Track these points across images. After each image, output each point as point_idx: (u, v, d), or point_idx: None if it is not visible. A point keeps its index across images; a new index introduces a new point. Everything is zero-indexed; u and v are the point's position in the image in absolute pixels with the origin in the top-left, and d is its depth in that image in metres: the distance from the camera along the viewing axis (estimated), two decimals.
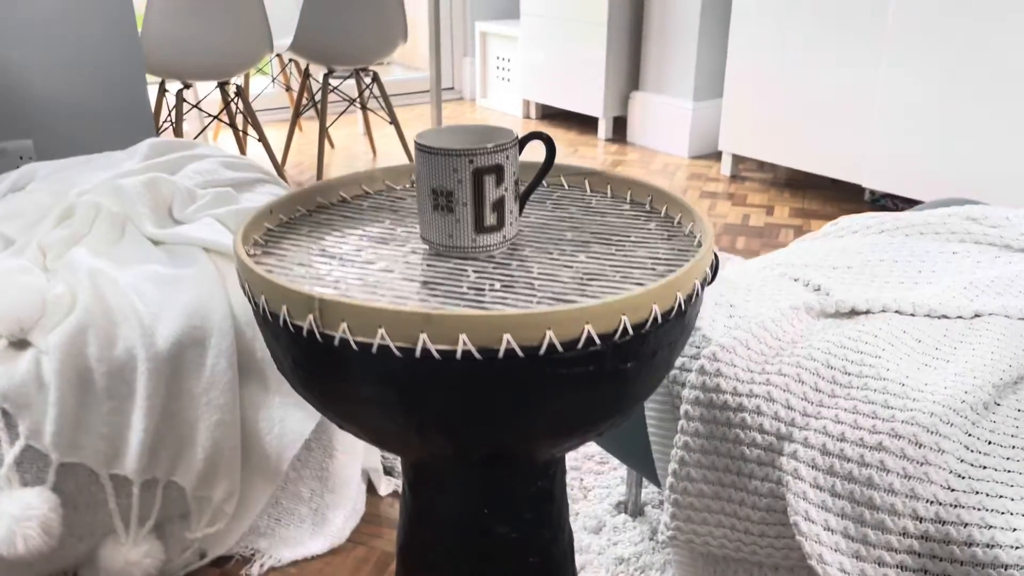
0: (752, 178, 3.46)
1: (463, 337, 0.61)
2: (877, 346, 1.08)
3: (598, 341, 0.63)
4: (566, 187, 0.98)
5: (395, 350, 0.62)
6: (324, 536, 1.40)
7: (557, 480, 0.88)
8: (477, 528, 0.84)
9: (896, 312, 1.17)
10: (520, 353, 0.62)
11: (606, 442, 1.35)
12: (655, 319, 0.66)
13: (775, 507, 1.02)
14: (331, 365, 0.66)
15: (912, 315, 1.16)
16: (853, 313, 1.18)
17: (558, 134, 4.16)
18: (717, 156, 3.76)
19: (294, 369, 0.70)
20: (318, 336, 0.64)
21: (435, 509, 0.85)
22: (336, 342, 0.64)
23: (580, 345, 0.63)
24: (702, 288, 0.73)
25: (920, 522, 0.89)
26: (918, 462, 0.91)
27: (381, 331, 0.62)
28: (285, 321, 0.66)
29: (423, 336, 0.61)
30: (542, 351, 0.62)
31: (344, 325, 0.63)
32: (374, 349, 0.63)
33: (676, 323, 0.70)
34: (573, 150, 3.88)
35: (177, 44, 2.86)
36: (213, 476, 1.30)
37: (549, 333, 0.61)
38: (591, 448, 1.62)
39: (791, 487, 0.98)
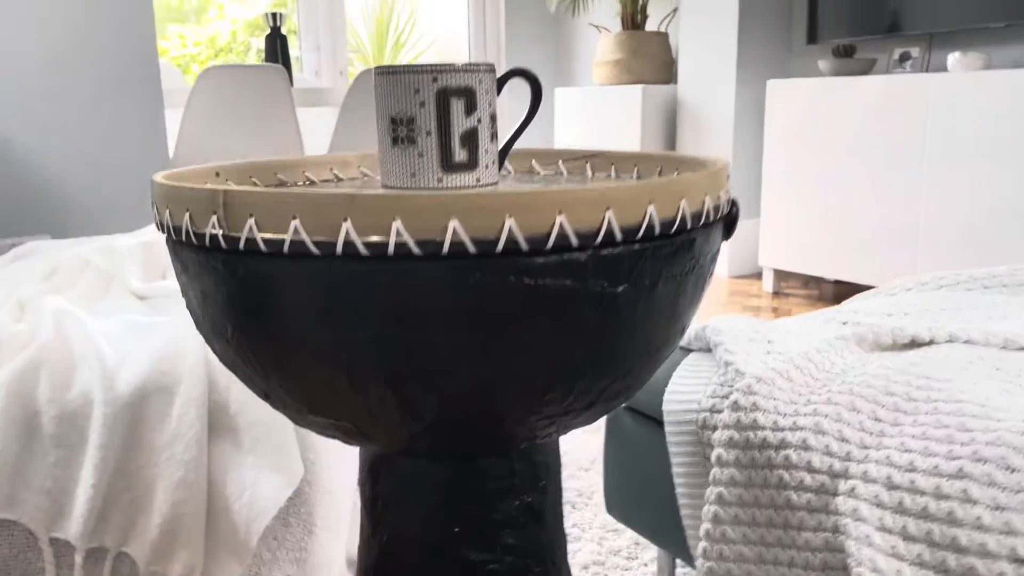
0: (796, 294, 3.31)
1: (397, 225, 0.47)
2: (947, 371, 0.90)
3: (574, 239, 0.49)
4: (565, 174, 0.86)
5: (311, 246, 0.48)
6: None
7: (548, 498, 0.70)
8: (446, 554, 0.66)
9: (966, 343, 0.99)
10: (471, 247, 0.47)
11: (626, 513, 1.15)
12: (650, 225, 0.51)
13: (833, 563, 0.81)
14: (240, 289, 0.52)
15: (985, 345, 0.98)
16: (914, 344, 1.01)
17: None
18: (758, 274, 3.63)
19: (203, 308, 0.56)
20: (222, 241, 0.51)
21: (395, 527, 0.67)
22: (242, 245, 0.50)
23: (551, 242, 0.48)
24: (715, 217, 0.58)
25: (1021, 565, 0.68)
26: (1012, 490, 0.72)
27: (295, 223, 0.48)
28: (188, 233, 0.53)
29: (346, 225, 0.48)
30: (500, 246, 0.48)
31: (251, 221, 0.50)
32: (286, 248, 0.49)
33: (681, 250, 0.55)
34: None
35: (210, 161, 2.89)
36: (171, 546, 1.13)
37: (509, 222, 0.47)
38: (618, 541, 1.40)
39: (851, 532, 0.78)
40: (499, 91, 0.68)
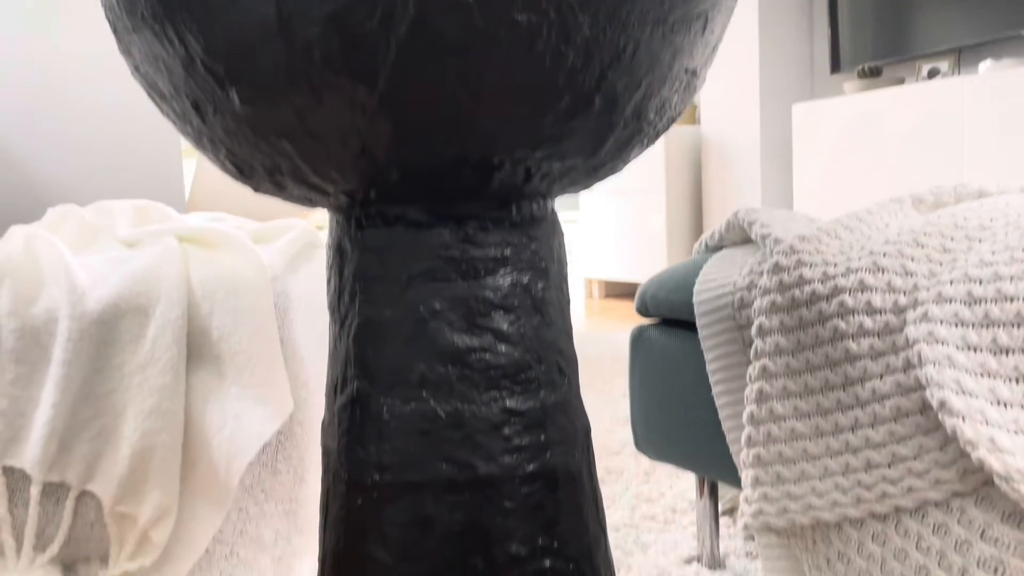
0: None
1: None
2: (1022, 207, 0.76)
3: None
4: None
5: None
6: None
7: (550, 287, 0.58)
8: (427, 339, 0.54)
9: None
10: None
11: (658, 444, 1.00)
12: None
13: (906, 407, 0.66)
14: None
15: None
16: (981, 196, 0.88)
17: (624, 311, 3.96)
18: None
19: None
20: None
21: (367, 312, 0.55)
22: None
23: None
24: None
25: None
26: None
27: None
28: None
29: None
30: None
31: None
32: None
33: None
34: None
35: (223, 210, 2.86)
36: (141, 484, 1.00)
37: None
38: (654, 507, 1.23)
39: (928, 357, 0.63)
40: None
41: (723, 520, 1.18)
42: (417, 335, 0.54)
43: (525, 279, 0.56)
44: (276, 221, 1.24)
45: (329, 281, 0.59)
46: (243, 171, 0.54)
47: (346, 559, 0.57)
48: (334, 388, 0.59)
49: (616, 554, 1.10)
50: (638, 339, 1.04)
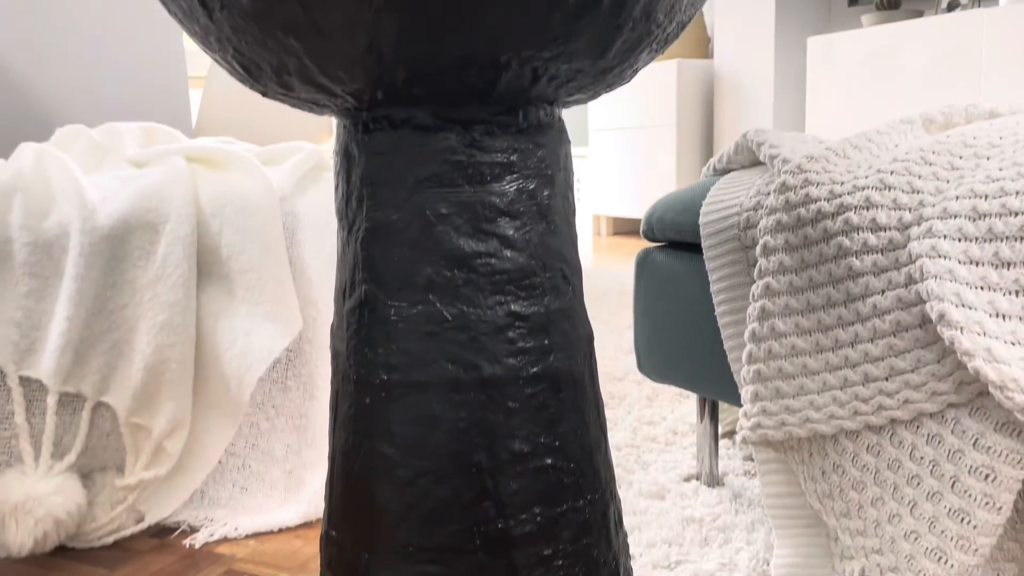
0: None
1: None
2: None
3: None
4: None
5: None
6: (298, 504, 1.07)
7: (556, 195, 0.58)
8: (433, 243, 0.55)
9: None
10: None
11: (660, 366, 1.01)
12: None
13: (906, 321, 0.67)
14: None
15: None
16: (992, 117, 0.87)
17: (632, 248, 3.96)
18: None
19: None
20: None
21: (374, 217, 0.56)
22: None
23: None
24: None
25: None
26: None
27: None
28: None
29: None
30: None
31: None
32: None
33: None
34: None
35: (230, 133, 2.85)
36: (155, 396, 1.02)
37: None
38: (655, 429, 1.26)
39: (929, 270, 0.64)
40: None
41: (723, 443, 1.20)
42: (424, 239, 0.55)
43: (531, 186, 0.56)
44: (284, 143, 1.24)
45: (337, 187, 0.59)
46: (251, 72, 0.54)
47: (355, 456, 0.58)
48: (343, 292, 0.60)
49: (617, 471, 1.12)
50: (643, 262, 1.05)
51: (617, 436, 1.24)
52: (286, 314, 1.07)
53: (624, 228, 4.31)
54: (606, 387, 1.49)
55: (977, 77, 2.55)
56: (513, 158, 0.56)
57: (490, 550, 0.56)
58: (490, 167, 0.55)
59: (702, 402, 1.07)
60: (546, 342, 0.58)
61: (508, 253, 0.56)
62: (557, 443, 0.58)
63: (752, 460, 1.12)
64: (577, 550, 0.59)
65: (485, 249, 0.56)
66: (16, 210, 0.98)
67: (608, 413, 1.35)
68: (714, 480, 1.07)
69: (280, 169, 1.17)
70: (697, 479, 1.08)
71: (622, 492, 1.05)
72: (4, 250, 0.97)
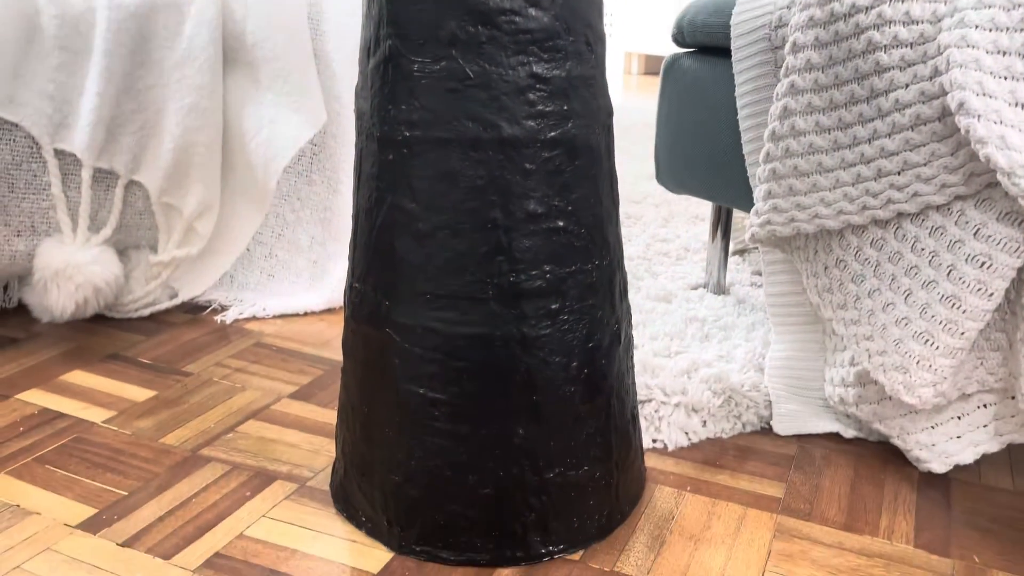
0: None
1: None
2: None
3: None
4: None
5: None
6: (322, 291, 1.12)
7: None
8: None
9: None
10: None
11: (679, 176, 1.03)
12: None
13: (926, 115, 0.68)
14: None
15: None
16: None
17: None
18: None
19: None
20: None
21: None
22: None
23: None
24: None
25: None
26: None
27: None
28: None
29: None
30: None
31: None
32: None
33: None
34: None
35: None
36: (184, 178, 1.05)
37: None
38: (668, 245, 1.29)
39: (955, 60, 0.64)
40: None
41: (732, 259, 1.23)
42: None
43: None
44: None
45: None
46: None
47: (377, 210, 0.61)
48: (367, 50, 0.61)
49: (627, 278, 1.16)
50: (671, 68, 1.04)
51: (630, 249, 1.27)
52: (311, 105, 1.08)
53: (656, 68, 4.19)
54: (624, 208, 1.51)
55: None
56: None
57: (501, 300, 0.60)
58: None
59: (715, 218, 1.09)
60: (565, 108, 0.59)
61: (533, 12, 0.56)
62: (570, 208, 0.61)
63: (760, 275, 1.15)
64: (583, 308, 0.62)
65: (510, 6, 0.56)
66: None
67: (624, 231, 1.38)
68: (720, 289, 1.11)
69: None
70: (704, 287, 1.12)
71: (631, 296, 1.09)
72: (33, 22, 0.97)
